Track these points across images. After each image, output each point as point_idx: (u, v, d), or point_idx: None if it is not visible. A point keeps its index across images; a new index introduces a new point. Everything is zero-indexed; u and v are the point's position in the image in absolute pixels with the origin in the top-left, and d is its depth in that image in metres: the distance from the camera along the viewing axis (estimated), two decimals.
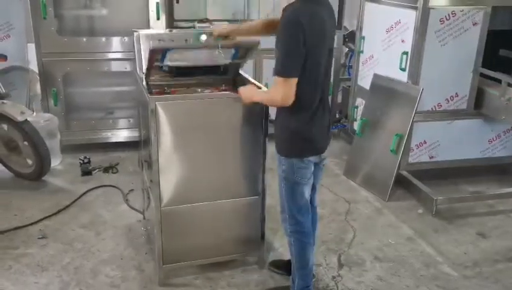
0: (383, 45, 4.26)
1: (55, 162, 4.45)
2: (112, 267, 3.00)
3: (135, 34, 3.04)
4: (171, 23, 4.67)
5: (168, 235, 2.76)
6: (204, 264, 2.93)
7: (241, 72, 3.14)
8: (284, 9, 2.30)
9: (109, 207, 3.75)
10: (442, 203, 3.76)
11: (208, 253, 2.89)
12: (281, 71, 2.27)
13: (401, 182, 4.06)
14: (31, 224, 3.45)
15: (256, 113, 2.70)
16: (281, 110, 2.45)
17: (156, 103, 2.51)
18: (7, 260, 3.04)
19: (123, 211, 3.71)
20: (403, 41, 3.99)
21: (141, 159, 3.37)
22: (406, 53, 3.92)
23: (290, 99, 2.29)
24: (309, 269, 2.67)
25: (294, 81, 2.26)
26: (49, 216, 3.56)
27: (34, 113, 4.38)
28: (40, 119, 4.36)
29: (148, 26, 4.51)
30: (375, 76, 4.32)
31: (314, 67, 2.31)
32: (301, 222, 2.59)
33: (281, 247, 3.26)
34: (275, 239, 3.34)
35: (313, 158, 2.49)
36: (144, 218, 3.48)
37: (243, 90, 2.60)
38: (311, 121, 2.41)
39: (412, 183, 4.00)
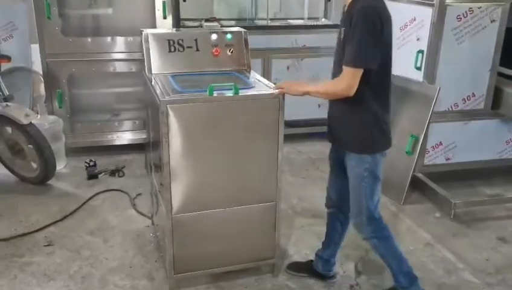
0: (397, 43, 4.13)
1: (60, 166, 4.35)
2: (121, 276, 2.90)
3: (143, 33, 2.94)
4: (177, 22, 4.56)
5: (179, 244, 2.64)
6: (216, 273, 2.82)
7: (252, 71, 3.02)
8: (351, 4, 2.26)
9: (116, 212, 3.64)
10: (460, 206, 3.63)
11: (220, 262, 2.78)
12: (355, 61, 2.22)
13: (416, 184, 3.94)
14: (37, 231, 3.34)
15: (271, 116, 2.58)
16: (352, 106, 2.36)
17: (168, 106, 2.39)
18: (12, 269, 2.94)
19: (131, 216, 3.60)
20: (418, 39, 3.86)
21: (149, 162, 3.26)
22: (421, 51, 3.80)
23: (353, 90, 2.25)
24: (403, 257, 2.60)
25: (360, 72, 2.22)
26: (55, 222, 3.46)
27: (38, 116, 4.28)
28: (45, 121, 4.25)
29: (154, 26, 4.40)
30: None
31: (388, 56, 2.34)
32: (378, 218, 2.54)
33: (296, 254, 3.15)
34: (289, 245, 3.23)
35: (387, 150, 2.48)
36: (153, 223, 3.37)
37: (288, 83, 2.60)
38: (386, 112, 2.42)
39: (428, 186, 3.87)
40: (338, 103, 2.44)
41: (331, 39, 4.99)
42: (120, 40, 4.46)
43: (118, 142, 4.68)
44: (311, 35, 4.92)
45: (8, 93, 3.87)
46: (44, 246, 3.18)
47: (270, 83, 2.76)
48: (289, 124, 4.95)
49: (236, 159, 2.61)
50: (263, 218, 2.77)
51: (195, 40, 2.96)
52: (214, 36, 2.99)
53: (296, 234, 3.38)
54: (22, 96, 5.37)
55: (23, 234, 3.29)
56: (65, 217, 3.53)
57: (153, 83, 2.73)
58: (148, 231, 3.36)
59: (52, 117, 4.37)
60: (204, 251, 2.71)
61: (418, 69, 3.83)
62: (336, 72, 2.37)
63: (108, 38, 4.46)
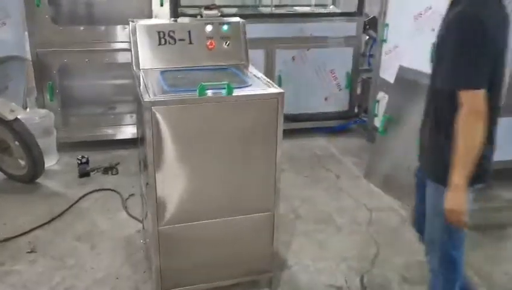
0: (410, 33, 3.84)
1: (52, 162, 4.14)
2: (106, 289, 2.68)
3: (131, 24, 2.67)
4: (175, 10, 4.28)
5: (167, 257, 2.41)
6: (208, 288, 2.58)
7: (250, 66, 2.75)
8: (453, 2, 1.88)
9: (107, 215, 3.42)
10: (476, 213, 3.35)
11: (212, 276, 2.54)
12: (467, 82, 1.77)
13: None
14: (21, 235, 3.13)
15: (268, 118, 2.32)
16: (443, 127, 1.92)
17: (152, 107, 2.14)
18: None
19: (122, 219, 3.38)
20: (433, 29, 3.54)
21: (139, 159, 3.02)
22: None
23: (478, 111, 1.76)
24: None
25: (473, 92, 1.77)
26: (41, 225, 3.24)
27: (28, 109, 4.06)
28: (35, 115, 4.04)
29: (151, 14, 4.13)
30: (401, 68, 3.90)
31: (497, 74, 1.85)
32: (455, 257, 2.11)
33: (296, 264, 2.91)
34: (289, 255, 2.99)
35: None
36: (143, 228, 3.14)
37: (449, 209, 1.88)
38: (491, 136, 1.92)
39: None
40: (430, 118, 2.05)
41: (339, 28, 4.73)
42: (115, 29, 4.21)
43: (113, 137, 4.45)
44: (318, 23, 4.62)
45: None
46: (27, 252, 2.97)
47: (270, 81, 2.49)
48: (292, 118, 4.73)
49: (230, 165, 2.36)
50: (259, 229, 2.52)
51: (188, 32, 2.69)
52: (209, 27, 2.71)
53: (296, 241, 3.14)
54: (16, 86, 5.16)
55: (6, 239, 3.08)
56: (52, 219, 3.32)
57: (139, 79, 2.47)
58: (138, 236, 3.14)
59: (42, 111, 4.14)
60: (195, 264, 2.48)
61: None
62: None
63: (102, 27, 4.20)
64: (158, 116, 2.16)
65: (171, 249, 2.40)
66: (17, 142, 3.58)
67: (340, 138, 4.83)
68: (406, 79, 3.84)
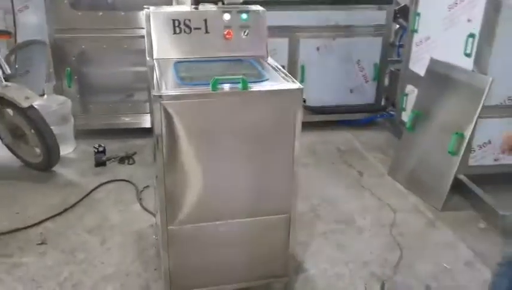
0: (443, 24, 3.59)
1: (68, 150, 4.09)
2: (115, 287, 2.59)
3: (145, 11, 2.53)
4: None
5: (177, 258, 2.29)
6: None
7: (270, 58, 2.58)
8: None
9: (120, 207, 3.33)
10: (509, 219, 3.13)
11: (225, 279, 2.42)
12: None
13: (458, 188, 3.44)
14: (32, 226, 3.07)
15: (286, 116, 2.16)
16: None
17: (161, 102, 2.01)
18: None
19: (135, 212, 3.29)
20: (469, 20, 3.31)
21: (153, 149, 2.91)
22: (472, 35, 3.25)
23: None
24: None
25: None
26: (53, 216, 3.18)
27: (45, 96, 3.99)
28: (52, 102, 3.97)
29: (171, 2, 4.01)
30: (432, 61, 3.67)
31: None
32: None
33: (313, 268, 2.76)
34: (306, 257, 2.84)
35: None
36: (156, 223, 3.04)
37: None
38: None
39: (472, 190, 3.38)
40: None
41: (368, 16, 4.49)
42: (134, 15, 4.08)
43: (130, 126, 4.36)
44: (345, 11, 4.39)
45: (9, 71, 3.56)
46: (37, 244, 2.90)
47: (289, 75, 2.32)
48: (315, 110, 4.55)
49: (244, 164, 2.22)
50: (275, 232, 2.38)
51: (205, 20, 2.53)
52: (227, 16, 2.55)
53: (315, 242, 2.99)
54: (38, 71, 5.13)
55: (17, 229, 3.03)
56: (65, 210, 3.25)
57: (152, 70, 2.34)
58: (151, 231, 3.04)
59: (60, 97, 4.07)
60: (207, 266, 2.36)
61: (468, 55, 3.29)
62: None
63: (122, 13, 4.09)
64: (168, 110, 2.02)
65: (181, 250, 2.28)
66: (32, 130, 3.51)
67: (365, 132, 4.63)
68: (437, 72, 3.61)
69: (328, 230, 3.12)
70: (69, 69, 4.13)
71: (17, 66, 5.19)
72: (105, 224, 3.14)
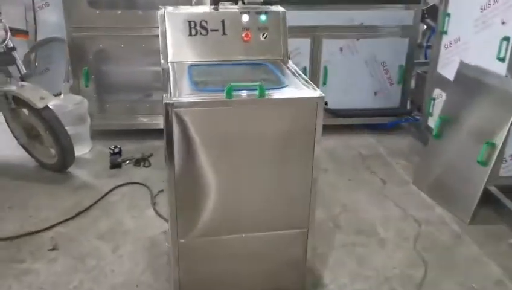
0: (475, 25, 3.39)
1: (85, 150, 4.03)
2: None
3: (159, 12, 2.43)
4: None
5: (188, 272, 2.20)
6: None
7: (290, 62, 2.45)
8: None
9: (134, 212, 3.25)
10: None
11: None
12: None
13: (488, 200, 3.25)
14: (44, 230, 3.01)
15: (305, 125, 2.03)
16: None
17: (173, 109, 1.90)
18: (8, 278, 2.61)
19: (149, 217, 3.20)
20: (503, 22, 3.11)
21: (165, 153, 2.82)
22: (506, 38, 3.05)
23: None
24: None
25: None
26: (66, 220, 3.11)
27: (62, 96, 3.94)
28: (68, 102, 3.91)
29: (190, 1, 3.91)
30: (462, 65, 3.48)
31: None
32: None
33: (331, 283, 2.62)
34: (325, 270, 2.70)
35: None
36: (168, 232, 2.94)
37: None
38: None
39: (503, 203, 3.19)
40: None
41: (394, 16, 4.30)
42: (153, 14, 3.95)
43: (148, 127, 4.27)
44: (371, 11, 4.22)
45: (25, 71, 3.50)
46: (49, 250, 2.84)
47: (310, 81, 2.18)
48: (338, 113, 4.40)
49: (260, 175, 2.10)
50: (291, 247, 2.26)
51: (222, 21, 2.42)
52: (245, 17, 2.43)
53: (335, 254, 2.85)
54: (58, 68, 5.11)
55: (29, 233, 2.97)
56: (78, 214, 3.18)
57: (166, 74, 2.24)
58: (163, 238, 2.95)
59: (77, 97, 4.01)
60: (219, 281, 2.26)
61: (501, 60, 3.10)
62: None
63: (140, 12, 4.00)
64: (179, 118, 1.92)
65: (192, 264, 2.19)
66: (47, 131, 3.46)
67: (389, 137, 4.45)
68: (467, 77, 3.41)
69: (348, 242, 2.98)
70: (86, 68, 4.07)
71: (37, 64, 5.20)
72: (118, 229, 3.06)
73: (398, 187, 3.63)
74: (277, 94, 2.02)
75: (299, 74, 2.28)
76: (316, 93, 2.03)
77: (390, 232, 3.08)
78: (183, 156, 1.98)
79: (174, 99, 1.92)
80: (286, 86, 2.10)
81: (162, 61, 2.39)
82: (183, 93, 1.99)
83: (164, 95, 1.98)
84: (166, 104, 1.89)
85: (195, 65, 2.33)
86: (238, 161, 2.05)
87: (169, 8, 2.46)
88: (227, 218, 2.15)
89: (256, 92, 1.97)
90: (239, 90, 1.98)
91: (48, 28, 5.01)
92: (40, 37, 5.10)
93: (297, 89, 2.09)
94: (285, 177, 2.12)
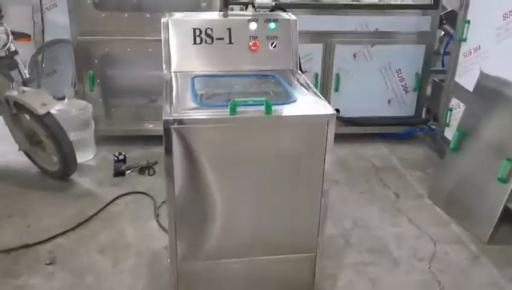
0: (497, 34, 3.22)
1: (89, 156, 3.93)
2: None
3: (163, 19, 2.31)
4: None
5: None
6: None
7: (298, 72, 2.31)
8: None
9: (136, 223, 3.13)
10: None
11: None
12: None
13: (507, 218, 3.08)
14: (43, 242, 2.91)
15: (315, 144, 1.89)
16: None
17: (172, 127, 1.77)
18: None
19: (151, 230, 3.08)
20: None
21: None
22: None
23: None
24: None
25: None
26: (66, 232, 3.00)
27: (66, 100, 3.84)
28: (73, 107, 3.80)
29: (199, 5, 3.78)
30: (483, 75, 3.31)
31: None
32: None
33: None
34: None
35: None
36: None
37: None
38: None
39: None
40: None
41: (411, 22, 4.12)
42: (160, 17, 3.82)
43: (153, 133, 4.15)
44: (386, 16, 4.05)
45: (27, 76, 3.40)
46: (46, 264, 2.73)
47: (320, 95, 2.04)
48: (350, 121, 4.24)
49: (267, 197, 1.97)
50: (298, 272, 2.12)
51: (229, 29, 2.29)
52: (253, 25, 2.30)
53: (345, 275, 2.70)
54: (65, 70, 5.02)
55: (27, 246, 2.86)
56: (78, 225, 3.07)
57: (168, 85, 2.12)
58: (165, 253, 2.81)
59: (81, 102, 3.90)
60: None
61: None
62: None
63: (147, 15, 3.88)
64: (179, 136, 1.79)
65: (191, 288, 2.05)
66: (48, 138, 3.35)
67: (403, 147, 4.28)
68: (487, 88, 3.24)
69: (359, 261, 2.83)
70: (91, 72, 3.96)
71: (43, 66, 5.13)
72: (119, 242, 2.94)
73: (412, 201, 3.47)
74: (285, 110, 1.88)
75: (310, 87, 2.14)
76: (327, 109, 1.89)
77: (403, 251, 2.93)
78: (184, 175, 1.85)
79: (174, 115, 1.79)
80: (295, 100, 1.97)
81: (165, 70, 2.27)
82: (185, 108, 1.86)
83: (164, 110, 1.85)
84: (166, 120, 1.76)
85: (200, 76, 2.20)
86: (242, 181, 1.92)
87: (174, 15, 2.34)
88: (230, 241, 2.03)
89: (263, 108, 1.83)
90: (244, 105, 1.84)
91: (56, 29, 4.92)
92: (47, 38, 5.03)
93: (307, 105, 1.95)
94: (292, 199, 1.98)
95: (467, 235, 3.08)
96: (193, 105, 1.90)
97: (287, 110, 1.89)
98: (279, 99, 1.95)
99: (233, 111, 1.80)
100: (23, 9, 4.99)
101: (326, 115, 1.86)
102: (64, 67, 5.06)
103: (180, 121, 1.77)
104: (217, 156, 1.86)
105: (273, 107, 1.84)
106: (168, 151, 1.80)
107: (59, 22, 4.92)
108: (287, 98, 1.98)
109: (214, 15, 2.45)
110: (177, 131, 1.77)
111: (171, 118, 1.77)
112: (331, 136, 1.87)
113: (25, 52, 4.97)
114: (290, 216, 2.01)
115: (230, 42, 2.28)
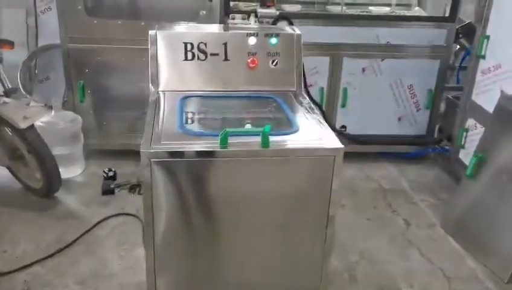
0: None
1: (77, 172, 3.68)
2: None
3: (150, 32, 2.05)
4: (227, 5, 3.61)
5: None
6: None
7: (302, 94, 2.05)
8: None
9: (122, 250, 2.87)
10: None
11: None
12: None
13: None
14: (18, 270, 2.65)
15: (319, 182, 1.62)
16: None
17: (151, 160, 1.51)
18: None
19: (137, 257, 2.80)
20: None
21: None
22: None
23: None
24: None
25: None
26: (44, 259, 2.75)
27: (53, 112, 3.59)
28: (60, 120, 3.56)
29: (197, 12, 3.53)
30: (504, 96, 3.03)
31: None
32: None
33: None
34: None
35: None
36: None
37: None
38: None
39: None
40: None
41: (425, 35, 3.84)
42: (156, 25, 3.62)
43: None
44: (398, 29, 3.79)
45: (9, 86, 3.16)
46: None
47: (325, 124, 1.78)
48: (357, 139, 3.98)
49: (262, 239, 1.71)
50: None
51: (225, 44, 2.04)
52: (252, 40, 2.05)
53: None
54: (58, 77, 4.78)
55: (0, 274, 2.61)
56: (58, 251, 2.82)
57: (153, 106, 1.86)
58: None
59: (69, 114, 3.66)
60: None
61: None
62: None
63: (142, 23, 3.62)
64: (159, 171, 1.53)
65: None
66: (30, 154, 3.11)
67: (414, 168, 4.01)
68: (508, 111, 2.97)
69: None
70: (82, 82, 3.71)
71: (36, 72, 4.91)
72: (101, 272, 2.68)
73: (423, 230, 3.19)
74: (285, 143, 1.62)
75: (314, 112, 1.87)
76: (335, 143, 1.63)
77: (414, 289, 2.66)
78: (166, 216, 1.59)
79: (154, 147, 1.53)
80: (297, 130, 1.70)
81: (152, 89, 2.01)
82: (169, 137, 1.60)
83: (143, 139, 1.59)
84: (144, 152, 1.50)
85: (190, 96, 1.95)
86: (236, 222, 1.66)
87: (164, 27, 2.09)
88: (223, 285, 1.75)
89: (259, 139, 1.57)
90: (237, 135, 1.58)
91: (50, 34, 4.69)
92: (41, 43, 4.81)
93: (310, 135, 1.68)
94: (290, 241, 1.72)
95: (483, 272, 2.80)
96: (179, 133, 1.64)
97: (288, 141, 1.63)
98: (279, 128, 1.69)
99: (224, 143, 1.54)
100: (17, 13, 4.80)
101: (332, 149, 1.60)
102: (58, 74, 4.79)
103: (162, 154, 1.51)
104: (205, 194, 1.59)
105: (272, 138, 1.58)
106: (147, 188, 1.54)
107: (54, 26, 4.67)
108: (288, 127, 1.72)
109: (210, 27, 2.20)
110: (158, 165, 1.51)
111: (149, 150, 1.51)
112: (338, 174, 1.60)
113: (17, 57, 4.82)
114: (290, 260, 1.75)
115: (226, 59, 2.03)
